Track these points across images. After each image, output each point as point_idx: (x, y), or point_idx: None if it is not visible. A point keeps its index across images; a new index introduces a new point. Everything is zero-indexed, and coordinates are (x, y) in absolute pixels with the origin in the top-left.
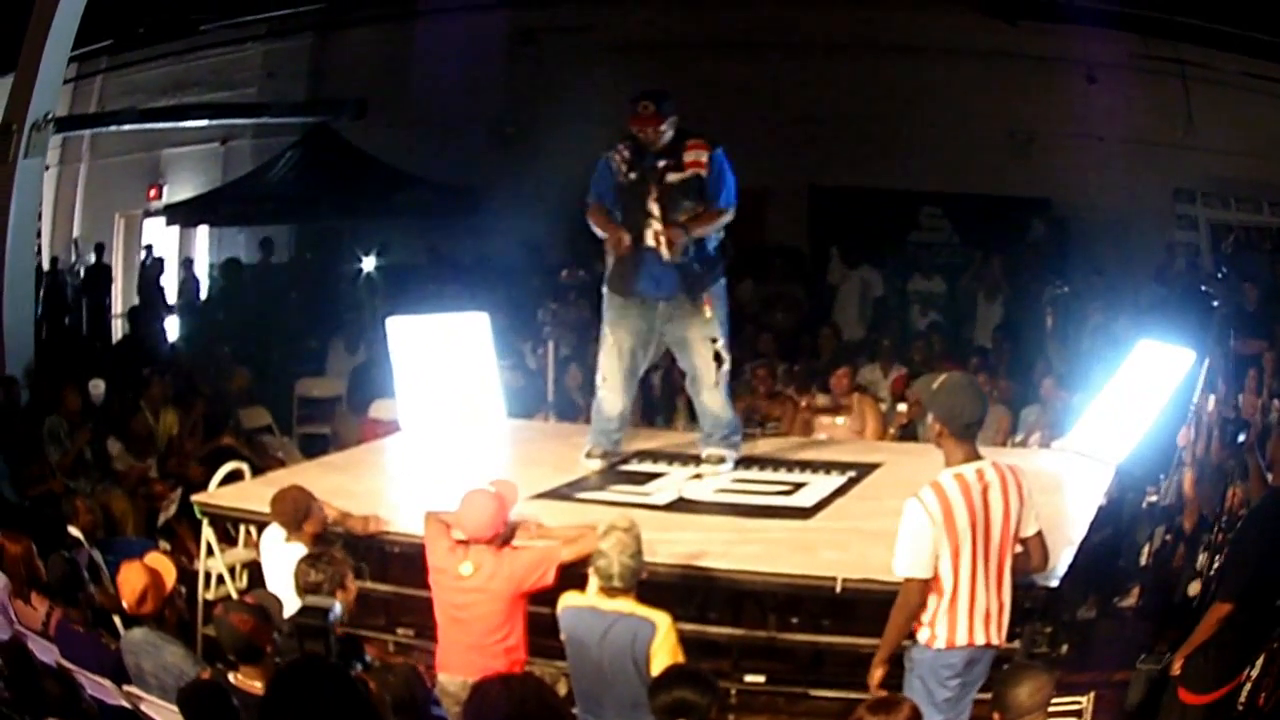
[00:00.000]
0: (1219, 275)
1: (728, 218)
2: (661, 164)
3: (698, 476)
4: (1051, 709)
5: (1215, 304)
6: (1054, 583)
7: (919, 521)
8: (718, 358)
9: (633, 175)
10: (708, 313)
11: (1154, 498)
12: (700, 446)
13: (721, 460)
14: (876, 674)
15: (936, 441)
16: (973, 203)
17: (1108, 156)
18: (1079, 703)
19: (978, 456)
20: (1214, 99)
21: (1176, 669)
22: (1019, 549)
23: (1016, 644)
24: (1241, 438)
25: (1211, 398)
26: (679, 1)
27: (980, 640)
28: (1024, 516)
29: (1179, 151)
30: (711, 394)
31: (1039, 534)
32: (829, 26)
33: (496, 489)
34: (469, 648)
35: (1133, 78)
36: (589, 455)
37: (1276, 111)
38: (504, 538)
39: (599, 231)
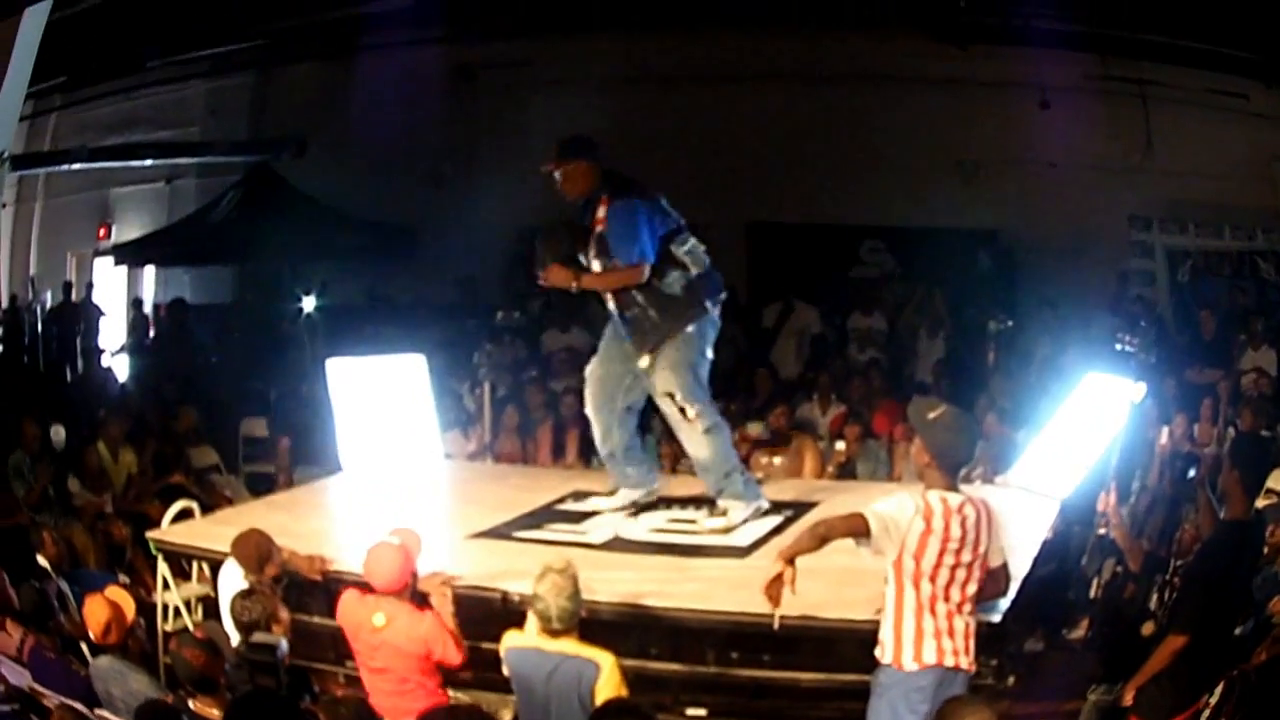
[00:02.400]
0: (1140, 325)
1: (624, 276)
2: (591, 218)
3: (633, 515)
4: None
5: (1130, 353)
6: (997, 617)
7: (904, 500)
8: (682, 412)
9: (584, 223)
10: (651, 364)
11: (1103, 530)
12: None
13: (724, 514)
14: (778, 565)
15: (919, 470)
16: (917, 235)
17: (1060, 184)
18: None
19: (956, 489)
20: (1175, 119)
21: (1129, 699)
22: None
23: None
24: (1192, 472)
25: (1165, 430)
26: (617, 36)
27: (950, 661)
28: (992, 548)
29: (1135, 176)
30: (689, 443)
31: (1004, 564)
32: (771, 56)
33: (400, 540)
34: (390, 694)
35: (1089, 100)
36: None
37: (1240, 130)
38: (413, 588)
39: None
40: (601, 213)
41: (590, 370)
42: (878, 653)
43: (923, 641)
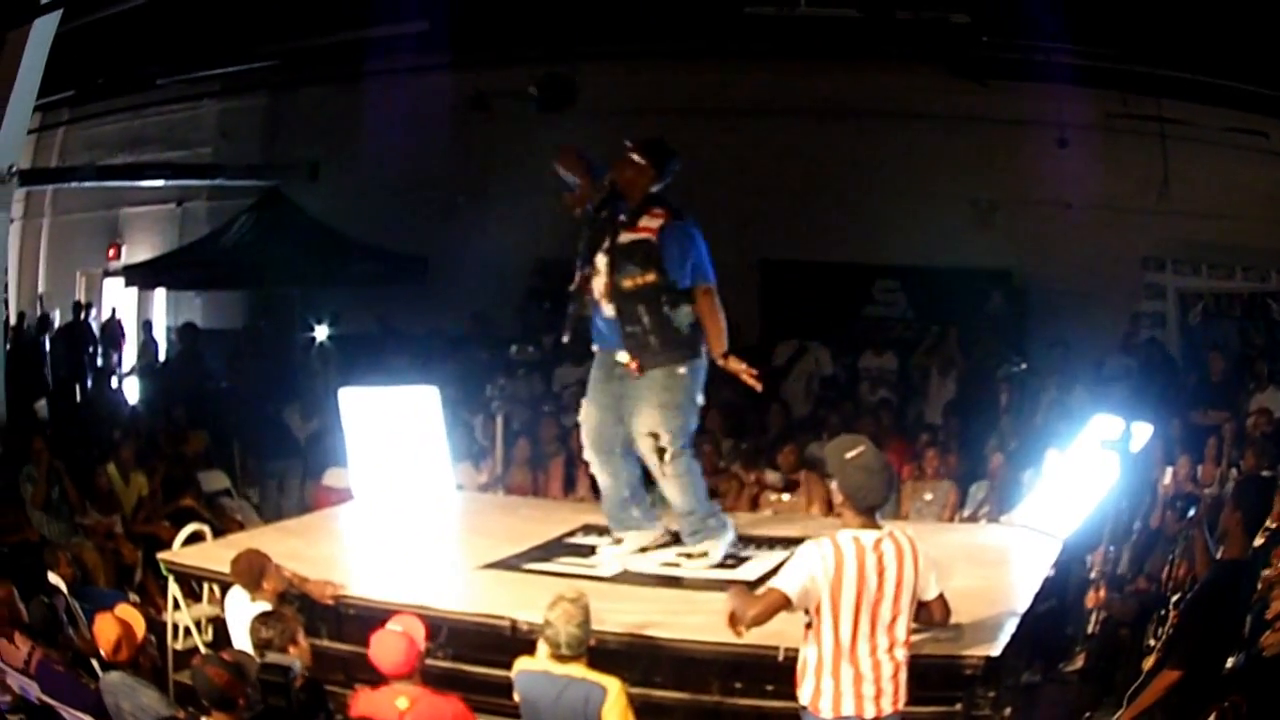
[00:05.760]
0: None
1: (717, 311)
2: (622, 218)
3: (643, 550)
4: None
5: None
6: (995, 651)
7: (809, 553)
8: (659, 452)
9: (602, 214)
10: (637, 396)
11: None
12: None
13: (704, 555)
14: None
15: (837, 508)
16: (931, 275)
17: (1075, 224)
18: None
19: (876, 526)
20: (1193, 158)
21: None
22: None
23: (957, 707)
24: (1192, 512)
25: (1169, 471)
26: (632, 67)
27: (870, 712)
28: (923, 582)
29: (1151, 217)
30: (663, 484)
31: (940, 596)
32: (786, 90)
33: (403, 627)
34: None
35: (1107, 139)
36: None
37: (1258, 168)
38: (422, 670)
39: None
40: (653, 224)
41: (584, 417)
42: (800, 693)
43: (841, 693)
